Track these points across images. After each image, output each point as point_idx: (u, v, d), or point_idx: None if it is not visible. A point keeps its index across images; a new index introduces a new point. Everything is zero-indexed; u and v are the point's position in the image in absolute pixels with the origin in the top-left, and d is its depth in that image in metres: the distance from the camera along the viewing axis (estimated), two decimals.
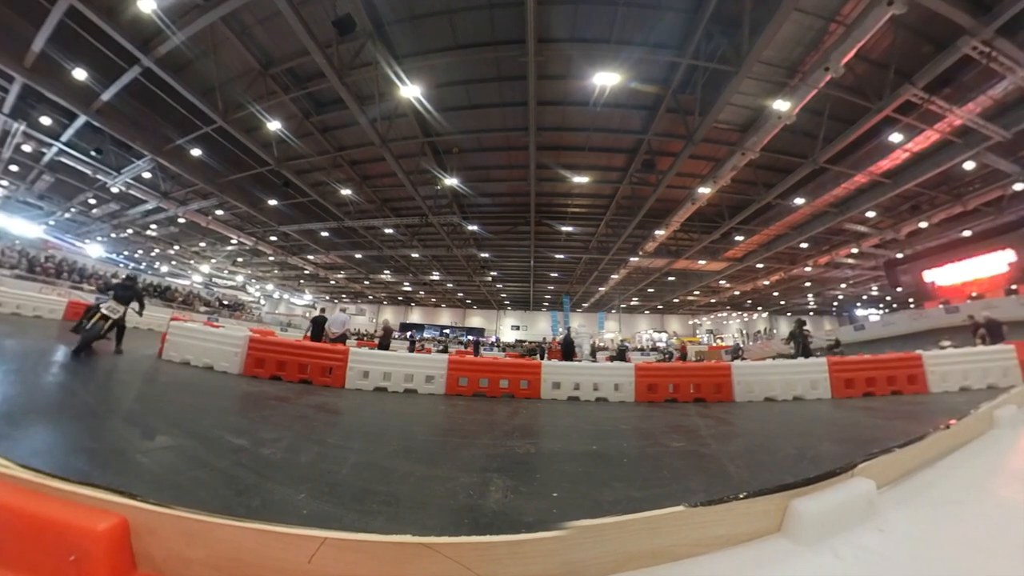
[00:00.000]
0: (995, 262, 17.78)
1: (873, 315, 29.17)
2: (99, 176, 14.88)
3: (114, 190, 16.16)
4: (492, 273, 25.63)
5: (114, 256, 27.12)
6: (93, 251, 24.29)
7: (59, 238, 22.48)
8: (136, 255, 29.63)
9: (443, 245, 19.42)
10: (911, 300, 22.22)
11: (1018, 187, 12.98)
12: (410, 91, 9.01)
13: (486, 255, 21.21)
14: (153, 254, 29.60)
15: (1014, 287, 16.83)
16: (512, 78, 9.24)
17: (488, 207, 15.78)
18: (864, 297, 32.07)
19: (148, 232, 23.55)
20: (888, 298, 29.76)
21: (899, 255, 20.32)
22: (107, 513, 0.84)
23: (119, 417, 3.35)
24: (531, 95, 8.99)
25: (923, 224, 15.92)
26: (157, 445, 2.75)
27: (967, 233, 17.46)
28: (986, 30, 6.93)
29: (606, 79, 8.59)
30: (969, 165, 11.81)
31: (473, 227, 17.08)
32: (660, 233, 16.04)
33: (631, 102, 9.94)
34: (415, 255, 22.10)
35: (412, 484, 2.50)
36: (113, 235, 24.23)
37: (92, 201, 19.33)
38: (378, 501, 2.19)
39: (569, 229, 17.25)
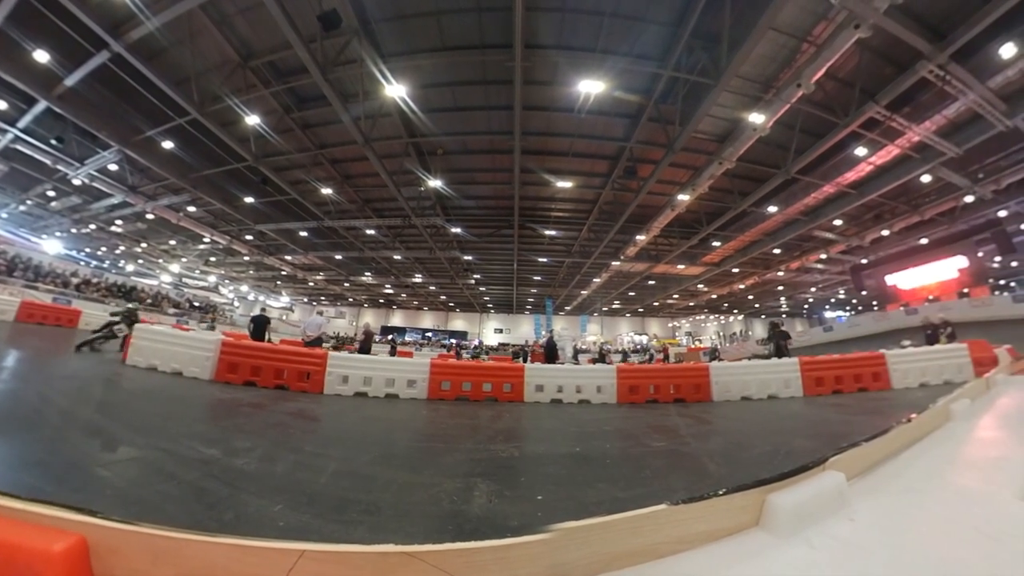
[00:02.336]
0: (948, 267, 19.05)
1: (841, 317, 30.66)
2: (59, 167, 13.97)
3: (76, 182, 15.23)
4: (475, 276, 25.51)
5: (74, 253, 25.52)
6: (51, 247, 22.81)
7: (12, 232, 21.01)
8: (99, 252, 27.98)
9: (426, 247, 19.22)
10: (875, 303, 23.51)
11: (968, 199, 13.99)
12: (395, 90, 8.91)
13: (469, 258, 21.11)
14: (118, 252, 28.02)
15: (966, 290, 18.08)
16: (498, 82, 9.28)
17: (472, 210, 15.74)
18: (832, 300, 33.68)
19: (113, 228, 22.26)
20: (854, 301, 31.36)
21: (864, 261, 21.47)
22: (64, 532, 0.79)
23: (78, 427, 3.15)
24: (517, 100, 9.05)
25: (885, 232, 16.94)
26: (120, 457, 2.60)
27: (924, 241, 18.66)
28: (941, 55, 7.48)
29: (591, 87, 8.75)
30: (926, 178, 12.63)
31: (456, 229, 16.98)
32: (641, 238, 16.39)
33: (614, 110, 10.15)
34: (397, 257, 21.77)
35: (394, 492, 2.45)
36: (74, 230, 22.81)
37: (51, 193, 18.14)
38: (359, 510, 2.13)
39: (552, 233, 17.39)
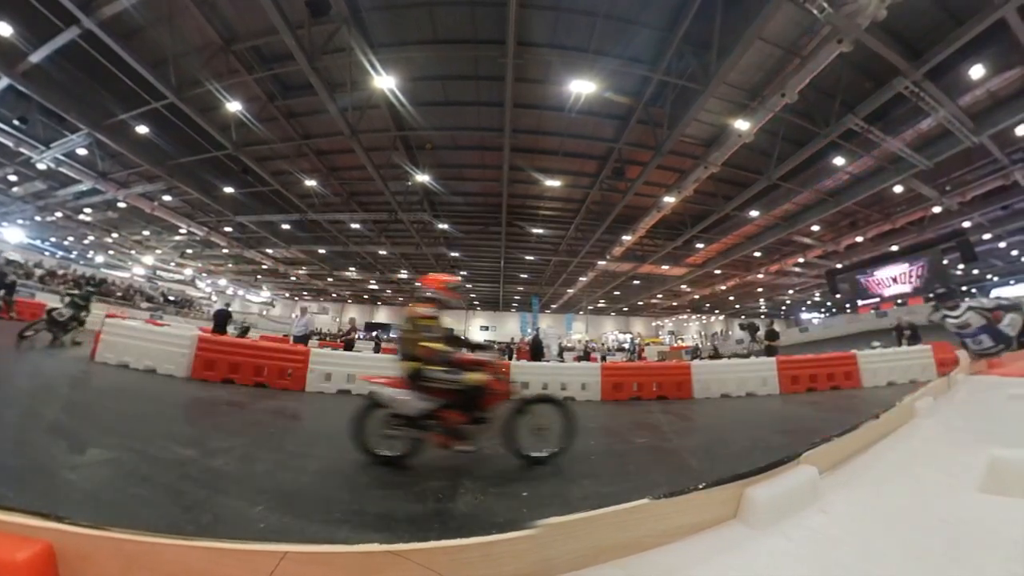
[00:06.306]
0: (916, 273, 19.98)
1: (816, 318, 31.86)
2: (23, 150, 13.18)
3: (41, 167, 14.42)
4: (462, 273, 25.36)
5: (38, 242, 24.20)
6: (12, 236, 21.58)
7: None
8: (66, 242, 26.59)
9: (412, 243, 19.00)
10: (848, 305, 24.49)
11: (936, 210, 14.72)
12: (384, 82, 8.75)
13: (456, 254, 20.98)
14: (87, 242, 26.67)
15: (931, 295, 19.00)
16: (490, 78, 9.21)
17: (460, 206, 15.62)
18: (809, 302, 34.93)
19: (81, 216, 21.17)
20: (829, 303, 32.58)
21: (838, 265, 22.35)
22: (29, 540, 0.75)
23: (42, 429, 2.99)
24: (508, 97, 9.01)
25: (859, 238, 17.67)
26: (89, 459, 2.48)
27: (895, 248, 19.54)
28: (916, 73, 7.85)
29: (582, 87, 8.79)
30: (898, 188, 13.24)
31: (444, 225, 16.84)
32: (627, 238, 16.60)
33: (604, 111, 10.23)
34: (383, 252, 21.45)
35: (380, 492, 2.43)
36: (38, 218, 21.58)
37: (13, 178, 17.11)
38: (343, 510, 2.10)
39: (540, 231, 17.44)
